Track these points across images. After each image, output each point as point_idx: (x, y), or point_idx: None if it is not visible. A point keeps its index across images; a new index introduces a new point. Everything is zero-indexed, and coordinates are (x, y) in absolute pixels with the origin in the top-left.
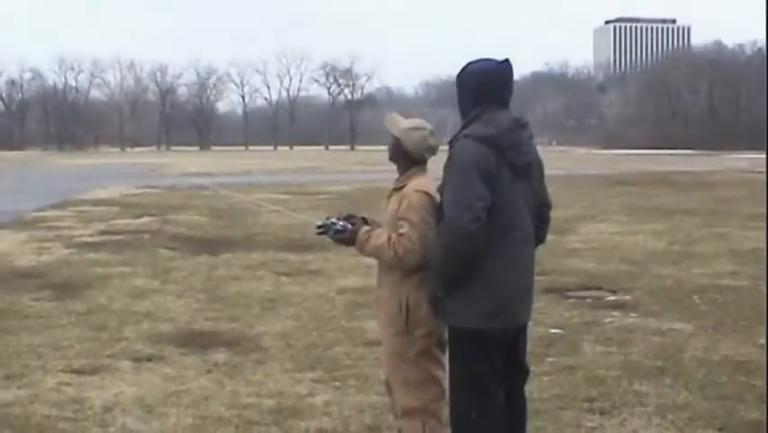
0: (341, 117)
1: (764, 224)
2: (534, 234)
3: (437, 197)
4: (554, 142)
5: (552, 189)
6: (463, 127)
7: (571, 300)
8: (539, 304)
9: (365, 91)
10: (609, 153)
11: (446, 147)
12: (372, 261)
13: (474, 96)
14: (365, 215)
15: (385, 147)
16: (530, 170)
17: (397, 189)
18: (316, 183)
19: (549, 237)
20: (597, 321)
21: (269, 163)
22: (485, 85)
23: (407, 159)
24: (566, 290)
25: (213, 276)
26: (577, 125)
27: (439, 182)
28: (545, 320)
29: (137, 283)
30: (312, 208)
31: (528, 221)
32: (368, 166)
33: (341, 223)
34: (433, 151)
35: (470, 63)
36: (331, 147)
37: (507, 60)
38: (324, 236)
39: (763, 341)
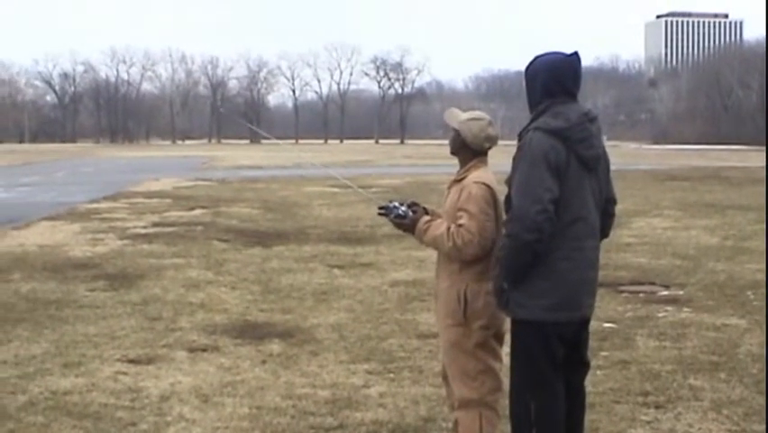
0: (391, 111)
1: None
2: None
3: (497, 189)
4: (605, 137)
5: None
6: (532, 120)
7: (625, 295)
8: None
9: (415, 85)
10: (661, 149)
11: (506, 141)
12: (424, 254)
13: (543, 89)
14: (427, 205)
15: (435, 141)
16: (598, 164)
17: (458, 181)
18: (367, 176)
19: None
20: (650, 316)
21: (320, 156)
22: (554, 77)
23: (468, 151)
24: (619, 284)
25: (266, 268)
26: (628, 120)
27: (501, 175)
28: (599, 314)
29: (191, 275)
30: (362, 201)
31: (595, 214)
32: (418, 160)
33: (403, 208)
34: (492, 140)
35: (538, 56)
36: (381, 141)
37: (575, 53)
38: (384, 219)
39: None
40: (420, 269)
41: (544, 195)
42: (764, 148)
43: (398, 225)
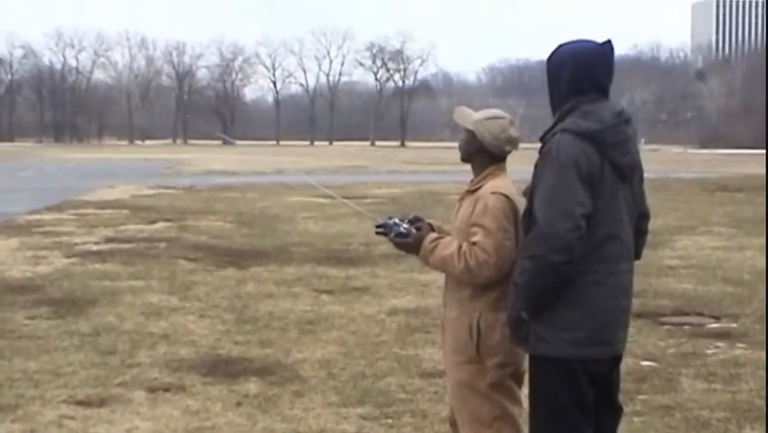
0: (389, 108)
1: None
2: None
3: (518, 201)
4: (643, 140)
5: None
6: (557, 120)
7: (667, 327)
8: (629, 331)
9: (418, 77)
10: (710, 153)
11: (524, 144)
12: (429, 277)
13: (570, 84)
14: (431, 220)
15: (441, 143)
16: (634, 173)
17: (472, 192)
18: (360, 185)
19: None
20: (697, 352)
21: (306, 161)
22: (583, 71)
23: (484, 156)
24: (660, 314)
25: (241, 293)
26: (670, 119)
27: (520, 185)
28: (636, 350)
29: (152, 300)
30: (354, 215)
31: (630, 232)
32: (421, 165)
33: (405, 225)
34: (514, 143)
35: (563, 45)
36: (377, 143)
37: (608, 42)
38: (383, 237)
39: None
40: (424, 295)
41: (574, 209)
42: None
43: (400, 246)
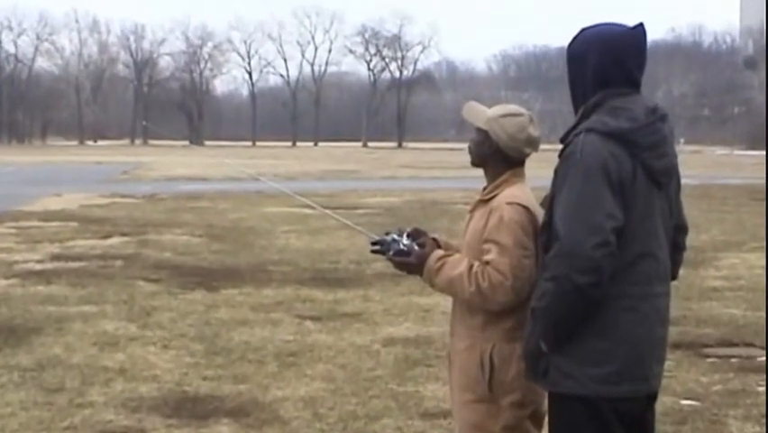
0: (385, 103)
1: None
2: None
3: (539, 213)
4: (682, 140)
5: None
6: (581, 118)
7: (711, 360)
8: (666, 364)
9: (418, 66)
10: (760, 155)
11: (543, 145)
12: (432, 300)
13: (596, 75)
14: (436, 235)
15: (446, 144)
16: (671, 179)
17: (484, 201)
18: (351, 193)
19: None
20: (747, 390)
21: (287, 165)
22: (612, 59)
23: (500, 159)
24: (703, 345)
25: (211, 319)
26: (714, 116)
27: (538, 192)
28: (675, 387)
29: (106, 328)
30: (344, 228)
31: (666, 249)
32: (421, 170)
33: (405, 241)
34: (535, 145)
35: (587, 29)
36: (371, 143)
37: (641, 25)
38: (380, 256)
39: None
40: (425, 321)
41: (604, 222)
42: None
43: (400, 266)
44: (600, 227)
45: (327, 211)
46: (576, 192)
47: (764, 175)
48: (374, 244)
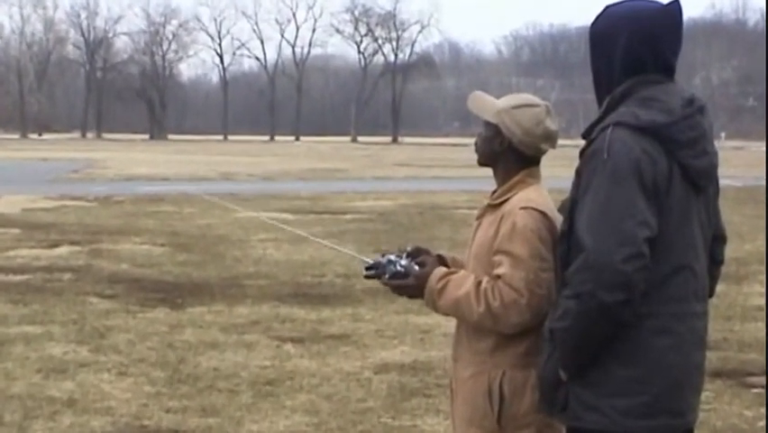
0: (377, 91)
1: None
2: None
3: (557, 219)
4: (723, 135)
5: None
6: (607, 109)
7: (756, 391)
8: (704, 395)
9: (416, 49)
10: None
11: (560, 141)
12: (432, 320)
13: (625, 60)
14: (443, 252)
15: (447, 139)
16: (710, 181)
17: (494, 206)
18: (338, 196)
19: (717, 288)
20: None
21: (264, 162)
22: (642, 41)
23: (512, 157)
24: (746, 373)
25: (175, 342)
26: (760, 107)
27: (556, 195)
28: (714, 421)
29: (52, 352)
30: (331, 236)
31: (704, 262)
32: (420, 169)
33: (402, 262)
34: (552, 140)
35: (613, 6)
36: (361, 138)
37: (675, 2)
38: (375, 281)
39: None
40: (424, 344)
41: (635, 231)
42: None
43: (398, 290)
44: (632, 237)
45: (316, 238)
46: (603, 196)
47: None
48: (368, 268)
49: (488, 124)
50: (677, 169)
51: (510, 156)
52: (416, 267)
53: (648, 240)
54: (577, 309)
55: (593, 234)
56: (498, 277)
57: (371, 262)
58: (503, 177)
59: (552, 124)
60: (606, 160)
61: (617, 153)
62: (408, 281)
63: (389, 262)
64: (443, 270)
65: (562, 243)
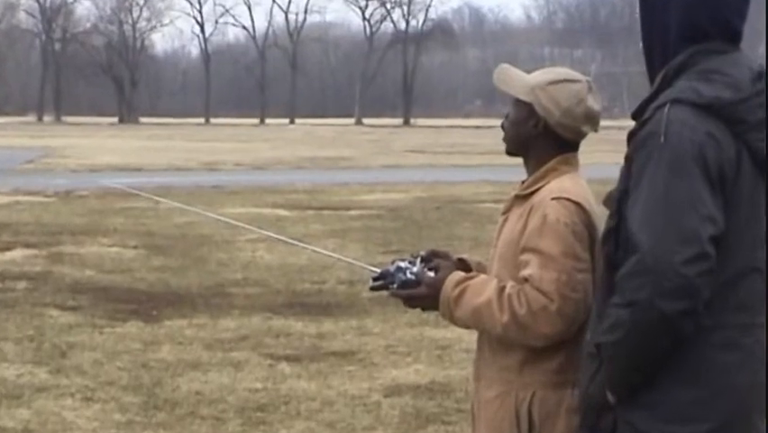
0: (386, 65)
1: None
2: None
3: (596, 213)
4: None
5: None
6: (662, 85)
7: None
8: None
9: (431, 15)
10: None
11: (603, 122)
12: (451, 333)
13: (682, 26)
14: (465, 256)
15: (468, 121)
16: None
17: (523, 198)
18: (340, 188)
19: None
20: None
21: (254, 149)
22: (704, 2)
23: (548, 142)
24: None
25: (150, 361)
26: None
27: (597, 186)
28: None
29: (5, 374)
30: (334, 236)
31: None
32: (436, 156)
33: (414, 269)
34: (595, 121)
35: None
36: (366, 121)
37: None
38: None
39: None
40: (442, 362)
41: (700, 228)
42: None
43: (409, 301)
44: (696, 235)
45: (289, 241)
46: (661, 187)
47: None
48: (375, 279)
49: (519, 103)
50: (746, 154)
51: (545, 140)
52: (430, 273)
53: (713, 238)
54: (631, 320)
55: (650, 232)
56: (525, 280)
57: (379, 271)
58: (535, 164)
59: (594, 103)
60: (663, 144)
61: (677, 136)
62: (419, 291)
63: (399, 269)
64: (459, 274)
65: (609, 241)
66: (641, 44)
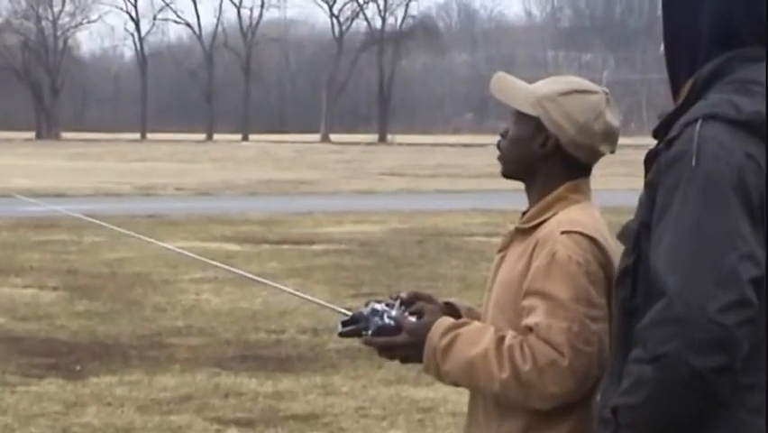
0: (358, 70)
1: None
2: None
3: (613, 250)
4: None
5: None
6: (690, 97)
7: None
8: None
9: (411, 12)
10: None
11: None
12: (434, 393)
13: (713, 28)
14: (453, 300)
15: (456, 137)
16: None
17: (525, 232)
18: (304, 217)
19: None
20: None
21: (199, 171)
22: (737, 4)
23: (557, 165)
24: None
25: (72, 427)
26: None
27: (612, 216)
28: None
29: None
30: (294, 276)
31: None
32: (418, 180)
33: (392, 313)
34: (613, 140)
35: None
36: (335, 137)
37: None
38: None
39: None
40: (424, 427)
41: (739, 269)
42: None
43: (387, 349)
44: (734, 277)
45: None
46: (692, 220)
47: None
48: (345, 324)
49: (521, 117)
50: None
51: (553, 162)
52: (411, 318)
53: (755, 281)
54: (655, 379)
55: (679, 274)
56: (530, 329)
57: (350, 315)
58: (540, 191)
59: (613, 119)
60: (695, 168)
61: (712, 159)
62: (400, 338)
63: (374, 312)
64: (448, 320)
65: (625, 282)
66: (662, 48)
